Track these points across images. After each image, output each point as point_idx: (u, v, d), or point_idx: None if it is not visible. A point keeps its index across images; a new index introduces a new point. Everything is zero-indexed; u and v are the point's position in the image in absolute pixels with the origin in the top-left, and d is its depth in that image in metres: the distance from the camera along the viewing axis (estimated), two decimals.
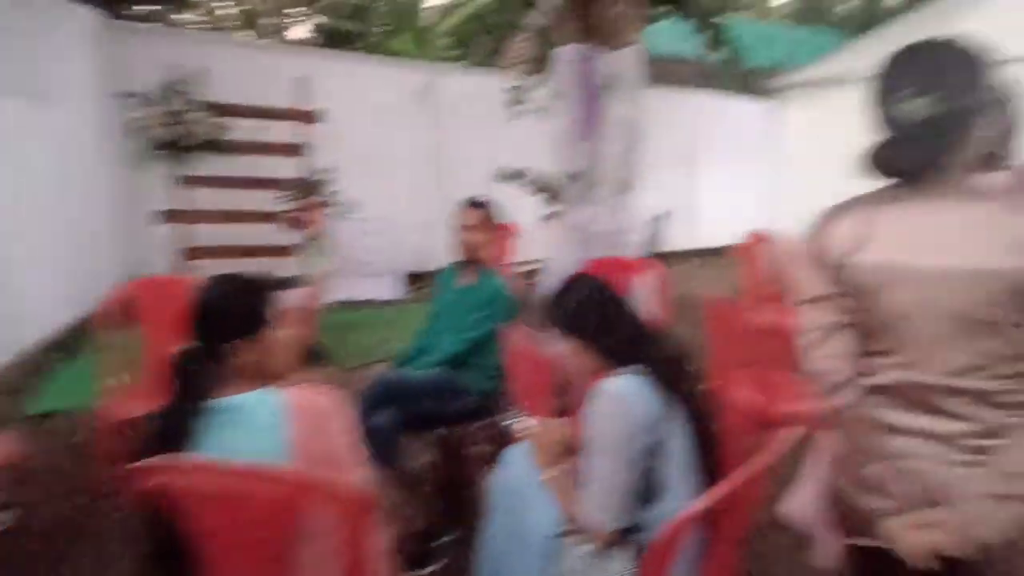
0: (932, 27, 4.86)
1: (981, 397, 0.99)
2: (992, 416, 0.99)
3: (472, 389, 2.46)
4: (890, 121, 1.04)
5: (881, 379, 1.08)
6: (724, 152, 8.36)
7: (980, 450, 0.99)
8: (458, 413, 2.41)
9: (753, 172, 6.60)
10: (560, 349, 1.55)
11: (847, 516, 1.14)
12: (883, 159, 1.05)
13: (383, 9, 10.18)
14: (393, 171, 6.56)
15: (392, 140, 6.53)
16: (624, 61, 3.65)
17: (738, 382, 2.66)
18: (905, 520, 1.00)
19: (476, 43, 9.35)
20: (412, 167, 6.73)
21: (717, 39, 6.74)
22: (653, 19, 7.29)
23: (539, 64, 4.41)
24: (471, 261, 2.61)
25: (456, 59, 9.59)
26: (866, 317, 1.08)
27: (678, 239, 8.19)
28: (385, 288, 6.23)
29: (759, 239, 4.26)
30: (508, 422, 1.75)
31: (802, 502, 1.27)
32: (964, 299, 0.98)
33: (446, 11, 9.17)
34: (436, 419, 2.39)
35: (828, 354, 1.10)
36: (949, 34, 1.03)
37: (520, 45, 5.22)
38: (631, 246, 3.68)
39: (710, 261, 7.90)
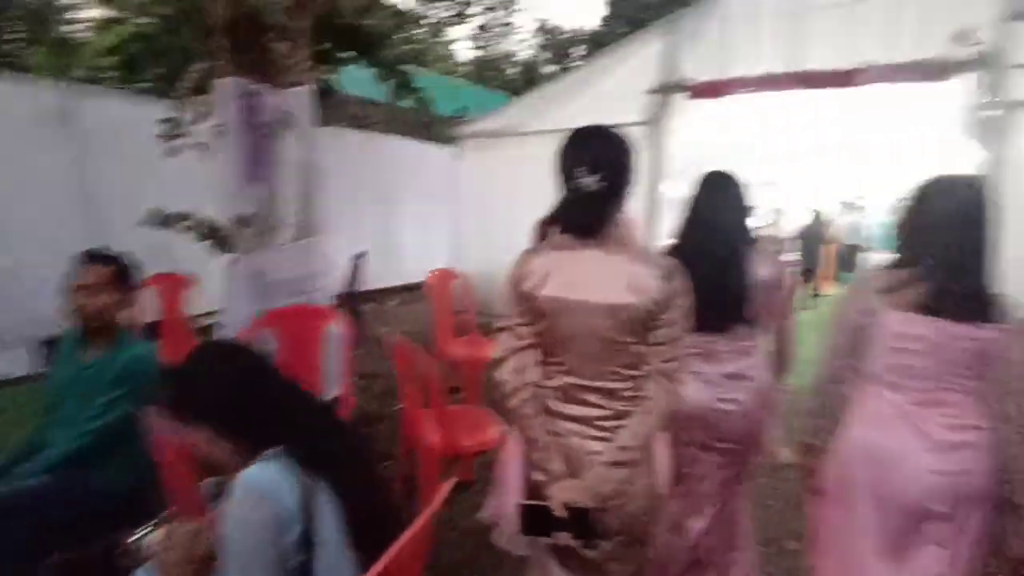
0: (574, 90, 6.03)
1: (611, 393, 1.38)
2: (619, 406, 1.38)
3: (107, 491, 1.96)
4: (571, 190, 1.35)
5: (554, 382, 1.42)
6: (419, 193, 8.78)
7: (609, 430, 1.37)
8: (89, 526, 1.88)
9: (442, 212, 7.05)
10: (190, 437, 1.28)
11: (528, 491, 1.46)
12: (564, 216, 1.39)
13: (16, 16, 8.12)
14: (22, 210, 5.16)
15: (22, 174, 5.14)
16: (295, 100, 3.48)
17: (426, 419, 2.70)
18: (556, 485, 1.34)
19: (143, 67, 8.07)
20: (47, 207, 5.39)
21: (404, 87, 7.06)
22: (343, 62, 7.30)
23: (206, 96, 3.95)
24: (99, 328, 2.11)
25: (121, 82, 8.13)
26: (546, 337, 1.41)
27: (380, 276, 8.26)
28: (12, 363, 4.83)
29: (444, 276, 4.51)
30: (136, 536, 1.38)
31: (498, 503, 1.65)
32: (604, 325, 1.34)
33: (103, 26, 7.73)
34: (58, 539, 1.82)
35: (513, 368, 1.42)
36: (608, 125, 1.39)
37: (192, 74, 4.64)
38: (319, 292, 3.48)
39: (413, 296, 8.14)
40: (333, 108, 8.69)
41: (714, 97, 4.74)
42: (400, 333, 6.48)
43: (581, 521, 1.30)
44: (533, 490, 1.42)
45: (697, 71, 4.84)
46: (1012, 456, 1.43)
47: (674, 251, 1.88)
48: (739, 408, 1.91)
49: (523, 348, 1.42)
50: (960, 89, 3.79)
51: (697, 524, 1.99)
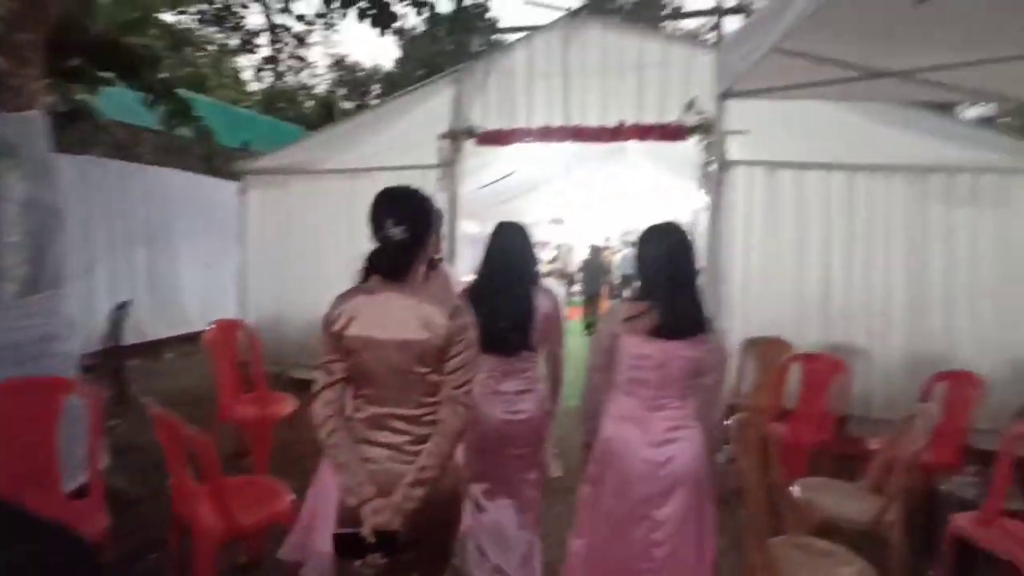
0: (369, 129, 6.01)
1: (413, 420, 1.56)
2: (421, 431, 1.56)
3: None
4: (381, 240, 1.55)
5: (363, 413, 1.59)
6: (199, 232, 7.92)
7: (414, 453, 1.54)
8: None
9: (227, 253, 6.42)
10: None
11: (341, 518, 1.58)
12: (375, 263, 1.58)
13: None
14: None
15: None
16: (21, 127, 2.93)
17: (199, 496, 2.38)
18: (368, 507, 1.47)
19: None
20: None
21: (179, 114, 6.36)
22: (103, 82, 6.36)
23: None
24: None
25: None
26: (355, 373, 1.57)
27: (155, 327, 7.24)
28: None
29: (226, 327, 4.09)
30: None
31: (300, 539, 2.08)
32: (402, 359, 1.52)
33: None
34: None
35: (324, 402, 1.56)
36: (413, 185, 1.64)
37: None
38: (58, 358, 2.91)
39: (195, 347, 7.24)
40: (91, 134, 7.52)
41: (499, 144, 5.07)
42: (179, 391, 5.71)
43: (390, 542, 1.47)
44: (346, 515, 1.54)
45: (484, 119, 5.15)
46: (710, 447, 1.91)
47: (473, 287, 2.33)
48: (526, 417, 2.35)
49: (335, 383, 1.57)
50: (693, 148, 4.55)
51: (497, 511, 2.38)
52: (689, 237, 1.92)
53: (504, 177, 7.39)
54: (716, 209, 4.46)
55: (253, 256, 5.91)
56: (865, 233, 4.41)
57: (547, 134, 4.92)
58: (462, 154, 5.15)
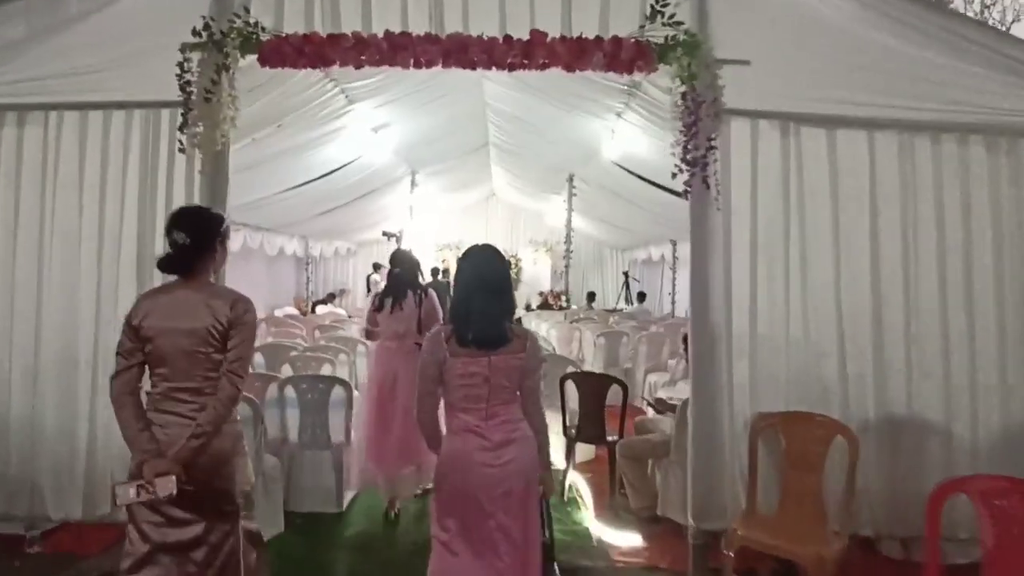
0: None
1: (198, 391, 1.87)
2: (203, 400, 1.86)
3: None
4: (171, 245, 1.89)
5: (159, 388, 1.89)
6: None
7: (195, 417, 1.84)
8: None
9: None
10: None
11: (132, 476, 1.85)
12: (166, 264, 1.91)
13: None
14: None
15: None
16: None
17: None
18: (149, 464, 1.78)
19: None
20: None
21: None
22: None
23: None
24: None
25: None
26: (152, 356, 1.87)
27: None
28: None
29: None
30: None
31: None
32: (190, 342, 1.84)
33: None
34: None
35: (121, 382, 1.86)
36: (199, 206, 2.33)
37: None
38: None
39: None
40: None
41: (307, 65, 2.68)
42: None
43: (166, 483, 1.73)
44: (136, 472, 1.80)
45: (277, 15, 2.72)
46: (543, 442, 2.07)
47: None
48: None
49: (131, 367, 1.87)
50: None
51: None
52: (501, 258, 2.05)
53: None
54: (704, 208, 2.61)
55: None
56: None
57: (401, 49, 2.63)
58: (225, 86, 2.65)
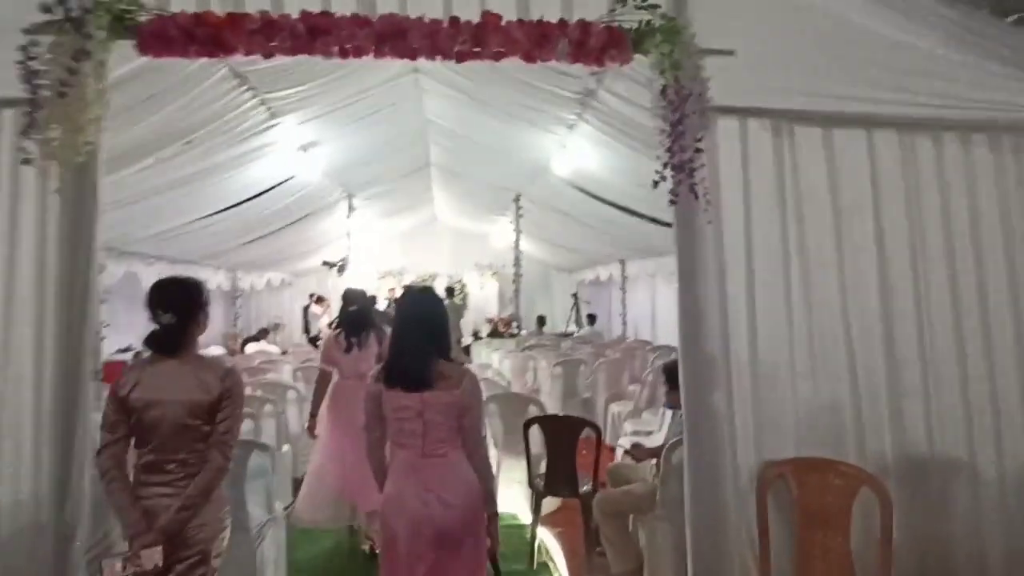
0: None
1: (185, 462, 1.88)
2: (191, 471, 1.88)
3: None
4: (156, 323, 1.90)
5: (144, 460, 1.89)
6: None
7: (183, 487, 1.87)
8: None
9: None
10: None
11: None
12: (156, 345, 1.91)
13: None
14: None
15: None
16: None
17: None
18: (138, 540, 1.79)
19: None
20: None
21: None
22: None
23: None
24: None
25: None
26: (137, 428, 1.88)
27: None
28: None
29: None
30: None
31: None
32: (180, 414, 1.86)
33: None
34: None
35: (108, 455, 1.85)
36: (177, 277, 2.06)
37: None
38: None
39: None
40: None
41: (201, 54, 2.13)
42: None
43: (152, 555, 1.76)
44: (127, 540, 1.84)
45: None
46: (485, 479, 2.07)
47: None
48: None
49: (117, 440, 1.87)
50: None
51: None
52: (435, 300, 2.17)
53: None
54: (690, 219, 2.22)
55: None
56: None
57: (321, 33, 2.12)
58: (90, 78, 2.05)
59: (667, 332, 10.01)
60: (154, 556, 1.74)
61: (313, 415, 3.65)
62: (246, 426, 3.76)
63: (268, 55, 2.16)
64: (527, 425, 3.45)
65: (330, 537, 3.71)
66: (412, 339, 1.99)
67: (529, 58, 2.23)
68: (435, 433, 1.96)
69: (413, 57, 2.22)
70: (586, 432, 3.38)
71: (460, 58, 2.21)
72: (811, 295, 2.42)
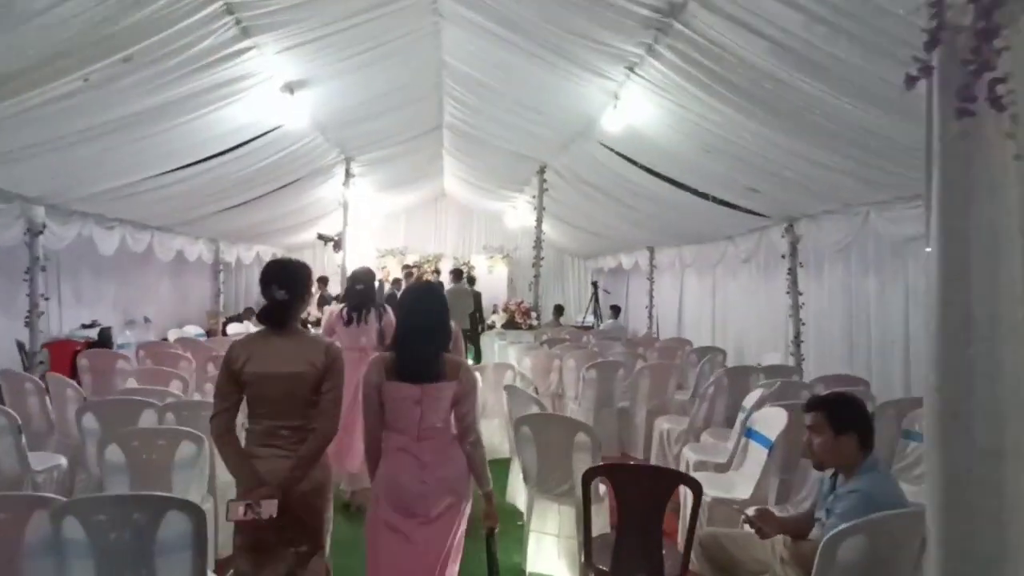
0: None
1: (297, 429, 2.05)
2: (301, 435, 2.05)
3: None
4: (268, 299, 2.08)
5: (260, 426, 2.07)
6: None
7: (294, 450, 2.03)
8: None
9: None
10: None
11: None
12: (265, 316, 2.10)
13: None
14: None
15: None
16: None
17: None
18: (254, 492, 1.95)
19: None
20: None
21: None
22: None
23: None
24: None
25: None
26: (252, 397, 2.07)
27: None
28: None
29: None
30: None
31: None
32: (290, 386, 2.03)
33: None
34: None
35: (220, 421, 2.03)
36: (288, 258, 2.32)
37: None
38: None
39: None
40: None
41: None
42: None
43: (270, 505, 1.92)
44: (242, 495, 2.00)
45: None
46: (477, 464, 2.19)
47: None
48: None
49: (229, 407, 2.06)
50: None
51: None
52: (437, 298, 2.29)
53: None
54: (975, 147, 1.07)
55: None
56: None
57: None
58: None
59: (695, 329, 8.94)
60: (271, 507, 1.89)
61: None
62: (184, 451, 2.72)
63: None
64: (589, 476, 2.36)
65: None
66: (417, 340, 2.13)
67: None
68: (430, 419, 2.11)
69: None
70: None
71: None
72: None
